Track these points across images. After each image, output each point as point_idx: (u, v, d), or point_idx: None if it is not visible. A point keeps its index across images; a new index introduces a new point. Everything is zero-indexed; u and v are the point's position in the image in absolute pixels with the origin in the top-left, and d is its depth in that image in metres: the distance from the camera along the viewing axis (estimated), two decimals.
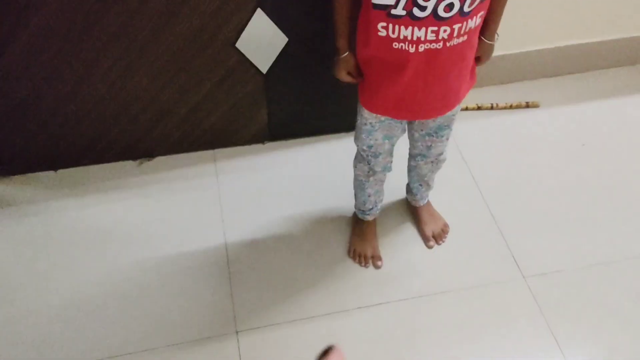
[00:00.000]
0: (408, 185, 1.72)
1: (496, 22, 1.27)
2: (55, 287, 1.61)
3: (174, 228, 1.75)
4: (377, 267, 1.65)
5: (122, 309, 1.56)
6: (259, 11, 1.60)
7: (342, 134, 1.99)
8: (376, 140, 1.43)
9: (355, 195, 1.66)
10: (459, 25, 1.13)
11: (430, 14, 1.10)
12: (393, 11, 1.12)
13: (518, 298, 1.59)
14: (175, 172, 1.90)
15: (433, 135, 1.45)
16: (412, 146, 1.53)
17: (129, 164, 1.91)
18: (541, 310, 1.55)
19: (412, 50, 1.16)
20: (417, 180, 1.65)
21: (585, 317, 1.55)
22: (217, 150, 1.95)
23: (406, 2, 1.09)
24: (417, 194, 1.69)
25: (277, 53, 1.71)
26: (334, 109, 1.91)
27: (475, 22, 1.16)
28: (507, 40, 1.73)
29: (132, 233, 1.74)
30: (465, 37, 1.17)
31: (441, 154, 1.51)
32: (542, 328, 1.52)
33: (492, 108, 2.02)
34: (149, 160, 1.92)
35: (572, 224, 1.75)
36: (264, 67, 1.74)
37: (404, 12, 1.11)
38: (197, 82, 1.75)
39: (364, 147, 1.46)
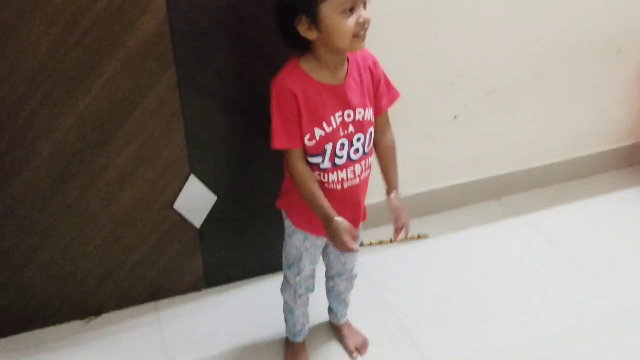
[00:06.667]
0: (329, 307, 2.02)
1: (396, 174, 1.69)
2: None
3: None
4: None
5: None
6: (192, 176, 1.98)
7: (276, 274, 2.27)
8: (304, 265, 1.75)
9: (285, 320, 1.93)
10: (365, 161, 1.60)
11: (346, 159, 1.56)
12: (322, 165, 1.56)
13: None
14: (120, 326, 2.09)
15: (345, 253, 1.80)
16: (329, 267, 1.87)
17: (76, 323, 2.09)
18: None
19: (338, 188, 1.59)
20: (336, 299, 1.96)
21: None
22: (158, 302, 2.18)
23: (329, 158, 1.55)
24: (337, 312, 1.99)
25: (208, 210, 2.06)
26: (263, 252, 2.23)
27: (372, 156, 1.63)
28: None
29: None
30: (370, 169, 1.64)
31: (353, 268, 1.86)
32: None
33: (390, 242, 2.44)
34: (95, 318, 2.12)
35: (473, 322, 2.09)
36: (197, 223, 2.08)
37: (329, 165, 1.56)
38: (140, 241, 2.04)
39: (295, 276, 1.77)
